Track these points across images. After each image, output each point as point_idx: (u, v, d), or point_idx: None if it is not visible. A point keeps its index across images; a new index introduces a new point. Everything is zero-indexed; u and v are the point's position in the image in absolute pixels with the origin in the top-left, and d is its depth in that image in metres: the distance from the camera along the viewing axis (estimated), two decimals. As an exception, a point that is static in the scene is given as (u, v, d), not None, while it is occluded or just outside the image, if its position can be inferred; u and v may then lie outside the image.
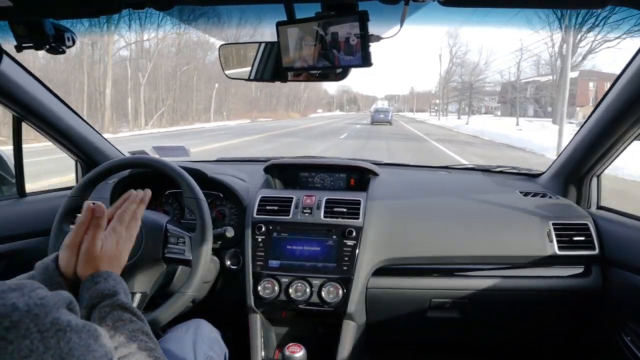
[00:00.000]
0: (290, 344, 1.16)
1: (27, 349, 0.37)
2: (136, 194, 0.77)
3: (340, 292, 1.22)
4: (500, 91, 39.66)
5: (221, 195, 1.42)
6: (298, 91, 49.98)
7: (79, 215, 1.14)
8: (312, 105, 64.40)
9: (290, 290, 1.23)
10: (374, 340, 1.47)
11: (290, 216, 1.32)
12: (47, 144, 1.50)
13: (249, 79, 1.02)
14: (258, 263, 1.28)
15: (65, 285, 0.63)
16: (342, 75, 0.89)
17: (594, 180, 1.37)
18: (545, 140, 11.91)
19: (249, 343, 1.30)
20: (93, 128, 1.54)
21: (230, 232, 1.15)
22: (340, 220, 1.29)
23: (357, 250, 1.25)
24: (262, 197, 1.37)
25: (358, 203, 1.33)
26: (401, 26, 0.75)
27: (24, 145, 1.40)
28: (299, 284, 1.23)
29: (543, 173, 1.59)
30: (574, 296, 1.29)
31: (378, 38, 0.76)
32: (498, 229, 1.31)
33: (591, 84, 29.36)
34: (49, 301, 0.41)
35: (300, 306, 1.24)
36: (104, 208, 0.68)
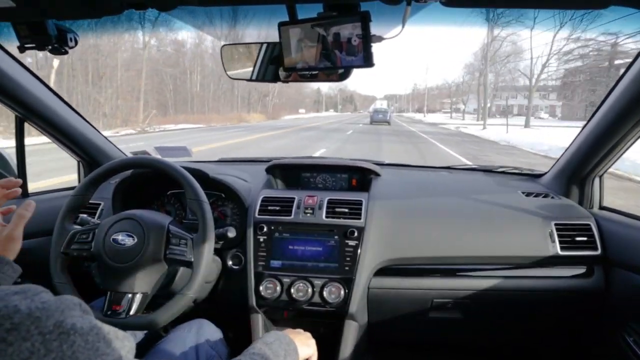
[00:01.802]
0: None
1: (27, 352, 0.37)
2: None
3: (342, 292, 1.22)
4: (562, 82, 25.36)
5: (223, 195, 1.42)
6: (265, 86, 29.75)
7: (81, 215, 1.15)
8: (290, 104, 53.38)
9: (292, 291, 1.23)
10: (375, 340, 1.47)
11: (292, 216, 1.32)
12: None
13: (250, 80, 1.03)
14: (260, 263, 1.28)
15: None
16: (343, 76, 0.89)
17: (597, 180, 1.37)
18: None
19: (251, 343, 1.30)
20: (95, 128, 1.54)
21: (232, 232, 1.15)
22: (342, 220, 1.29)
23: (358, 251, 1.25)
24: (264, 197, 1.37)
25: (360, 203, 1.33)
26: (403, 27, 0.75)
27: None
28: (301, 284, 1.23)
29: (545, 173, 1.58)
30: (576, 297, 1.28)
31: (380, 38, 0.76)
32: (500, 229, 1.30)
33: None
34: (52, 305, 0.40)
35: (302, 306, 1.24)
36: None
